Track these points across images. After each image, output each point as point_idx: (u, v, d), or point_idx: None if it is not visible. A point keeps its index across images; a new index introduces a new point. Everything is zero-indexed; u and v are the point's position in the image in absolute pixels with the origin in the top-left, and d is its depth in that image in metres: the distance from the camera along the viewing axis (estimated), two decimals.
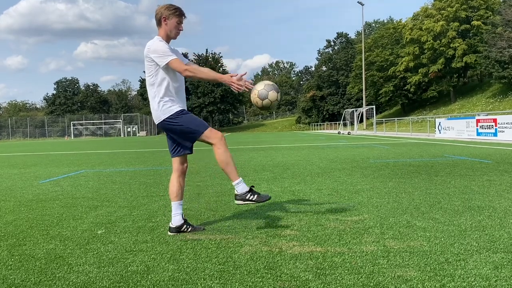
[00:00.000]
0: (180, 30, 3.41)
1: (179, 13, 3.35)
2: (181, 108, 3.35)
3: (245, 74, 3.27)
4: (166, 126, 3.32)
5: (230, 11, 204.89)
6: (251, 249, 2.88)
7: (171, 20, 3.33)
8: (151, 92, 3.35)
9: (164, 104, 3.29)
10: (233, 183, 3.30)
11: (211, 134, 3.30)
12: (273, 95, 3.35)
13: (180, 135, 3.34)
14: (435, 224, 3.40)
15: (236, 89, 3.22)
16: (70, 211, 4.43)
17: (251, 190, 3.30)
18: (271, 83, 3.42)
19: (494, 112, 23.87)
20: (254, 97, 3.37)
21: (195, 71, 3.28)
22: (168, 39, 3.38)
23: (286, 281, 2.30)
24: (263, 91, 3.34)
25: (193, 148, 3.51)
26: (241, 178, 3.31)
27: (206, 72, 3.33)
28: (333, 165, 8.41)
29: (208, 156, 11.86)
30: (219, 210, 4.24)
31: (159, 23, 3.36)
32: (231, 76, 3.24)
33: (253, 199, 3.26)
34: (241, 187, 3.28)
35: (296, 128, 76.42)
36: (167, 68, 3.28)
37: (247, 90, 3.28)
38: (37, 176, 7.98)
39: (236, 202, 3.31)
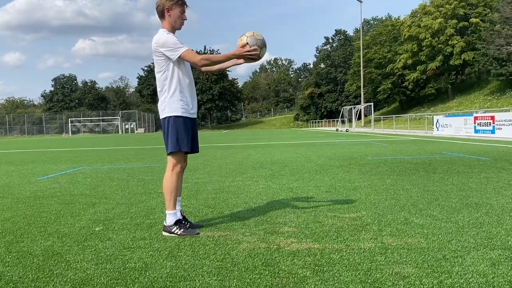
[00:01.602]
0: (184, 19, 3.34)
1: (181, 2, 3.29)
2: (189, 117, 3.30)
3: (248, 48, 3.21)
4: (166, 123, 3.29)
5: (228, 9, 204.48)
6: (249, 246, 2.89)
7: (174, 10, 3.26)
8: (162, 87, 3.28)
9: (174, 101, 3.24)
10: (166, 211, 3.31)
11: (177, 159, 3.29)
12: (248, 33, 3.25)
13: (166, 136, 3.30)
14: (432, 221, 3.41)
15: (251, 57, 3.19)
16: (68, 208, 4.43)
17: (177, 222, 3.26)
18: (256, 37, 3.27)
19: (492, 109, 23.88)
20: (239, 44, 3.25)
21: (210, 57, 3.25)
22: (173, 30, 3.31)
23: (284, 277, 2.30)
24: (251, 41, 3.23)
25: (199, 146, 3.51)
26: (175, 211, 3.29)
27: (219, 56, 3.25)
28: (331, 162, 8.42)
29: (206, 154, 11.86)
30: (217, 207, 4.24)
31: (162, 15, 3.29)
32: (241, 49, 3.19)
33: (178, 233, 3.21)
34: (170, 219, 3.27)
35: (294, 125, 76.42)
36: (179, 60, 3.23)
37: (256, 53, 3.19)
38: (34, 173, 7.96)
39: (163, 233, 3.27)
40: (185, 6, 3.33)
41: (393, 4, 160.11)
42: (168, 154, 3.34)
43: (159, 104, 3.34)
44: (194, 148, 3.43)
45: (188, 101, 3.31)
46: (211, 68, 3.55)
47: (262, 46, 3.26)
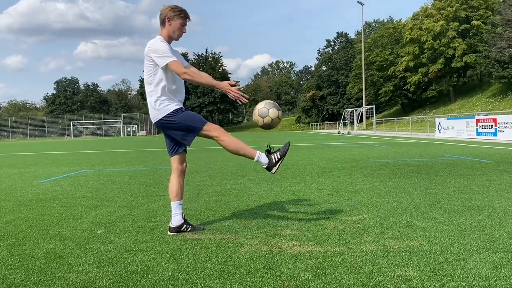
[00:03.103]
0: (183, 32, 3.42)
1: (184, 15, 3.36)
2: (179, 107, 3.35)
3: (240, 87, 3.31)
4: (165, 125, 3.33)
5: (230, 11, 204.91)
6: (251, 248, 2.89)
7: (176, 21, 3.33)
8: (148, 90, 3.36)
9: (161, 103, 3.30)
10: (254, 160, 3.30)
11: (210, 127, 3.31)
12: (273, 112, 3.38)
13: (180, 133, 3.33)
14: (434, 224, 3.41)
15: (233, 97, 3.25)
16: (70, 210, 4.43)
17: (270, 153, 3.32)
18: (272, 101, 3.47)
19: (493, 112, 23.86)
20: (255, 116, 3.43)
21: (194, 75, 3.29)
22: (170, 40, 3.38)
23: (285, 280, 2.30)
24: (263, 110, 3.39)
25: (187, 148, 3.52)
26: (258, 152, 3.30)
27: (204, 77, 3.34)
28: (333, 164, 8.41)
29: (208, 156, 11.86)
30: (218, 210, 4.24)
31: (162, 23, 3.36)
32: (230, 84, 3.27)
33: (280, 156, 3.29)
34: (263, 159, 3.29)
35: (296, 128, 76.40)
36: (166, 68, 3.29)
37: (243, 102, 3.27)
38: (37, 176, 7.98)
39: (272, 171, 3.29)
40: (187, 20, 3.41)
41: (394, 7, 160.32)
42: (201, 132, 3.27)
43: (151, 108, 3.36)
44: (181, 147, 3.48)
45: (175, 102, 3.36)
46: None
47: (271, 108, 3.41)
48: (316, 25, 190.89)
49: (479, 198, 4.46)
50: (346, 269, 2.44)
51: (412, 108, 54.16)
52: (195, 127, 3.28)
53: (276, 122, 3.43)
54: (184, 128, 3.29)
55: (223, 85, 3.28)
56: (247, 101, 3.27)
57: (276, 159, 3.28)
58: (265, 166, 3.30)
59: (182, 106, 3.40)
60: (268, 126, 3.43)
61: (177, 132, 3.33)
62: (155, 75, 3.30)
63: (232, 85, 3.29)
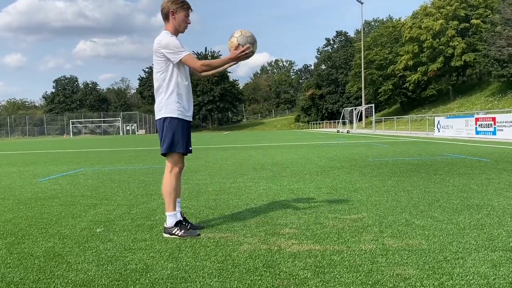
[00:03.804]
0: (188, 23, 3.38)
1: (186, 6, 3.33)
2: (186, 119, 3.33)
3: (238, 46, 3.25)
4: (160, 123, 3.31)
5: (229, 10, 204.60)
6: (250, 247, 2.89)
7: (179, 13, 3.30)
8: (159, 87, 3.30)
9: (171, 103, 3.26)
10: (166, 213, 3.32)
11: (175, 160, 3.32)
12: (236, 33, 3.30)
13: (161, 137, 3.32)
14: (433, 223, 3.41)
15: (246, 57, 3.22)
16: (69, 209, 4.43)
17: (178, 224, 3.27)
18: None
19: (493, 110, 23.87)
20: (231, 47, 3.31)
21: (209, 63, 3.30)
22: (176, 33, 3.34)
23: (284, 279, 2.30)
24: (230, 40, 3.32)
25: (191, 148, 3.52)
26: (175, 212, 3.30)
27: (217, 61, 3.33)
28: (332, 163, 8.41)
29: (207, 155, 11.86)
30: (218, 209, 4.24)
31: (166, 17, 3.32)
32: (235, 52, 3.22)
33: (180, 236, 3.21)
34: (171, 221, 3.27)
35: (295, 126, 76.41)
36: (179, 64, 3.26)
37: (250, 51, 3.22)
38: (36, 174, 7.97)
39: (164, 234, 3.27)
40: (190, 10, 3.37)
41: (394, 6, 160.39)
42: (162, 155, 3.36)
43: (156, 104, 3.36)
44: (187, 150, 3.45)
45: (185, 103, 3.34)
46: (208, 73, 3.56)
47: (253, 42, 3.30)
48: (316, 24, 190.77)
49: (478, 196, 4.47)
50: (345, 267, 2.44)
51: (411, 107, 54.20)
52: (172, 147, 3.27)
53: (246, 35, 3.27)
54: (167, 138, 3.27)
55: (233, 55, 3.21)
56: (251, 49, 3.22)
57: (175, 233, 3.22)
58: (166, 225, 3.29)
59: (187, 121, 3.36)
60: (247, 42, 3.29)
61: (162, 135, 3.31)
62: (167, 72, 3.26)
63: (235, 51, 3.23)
